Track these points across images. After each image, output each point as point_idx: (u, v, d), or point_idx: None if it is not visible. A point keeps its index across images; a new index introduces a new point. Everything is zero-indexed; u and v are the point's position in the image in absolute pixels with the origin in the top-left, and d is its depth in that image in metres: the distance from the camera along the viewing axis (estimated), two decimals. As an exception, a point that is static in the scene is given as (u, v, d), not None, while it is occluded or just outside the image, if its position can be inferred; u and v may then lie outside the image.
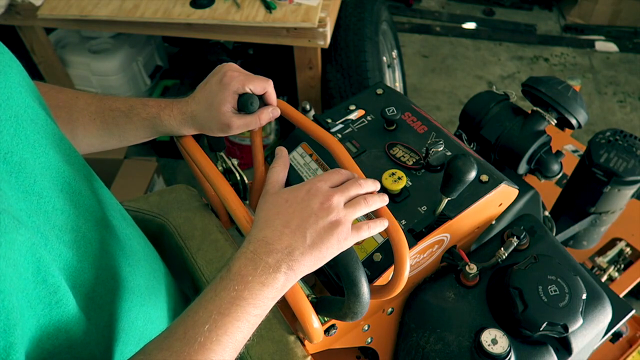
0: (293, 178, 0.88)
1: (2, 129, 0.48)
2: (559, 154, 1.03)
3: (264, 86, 0.76)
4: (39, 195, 0.50)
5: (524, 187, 0.94)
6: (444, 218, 0.78)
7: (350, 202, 0.61)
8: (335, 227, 0.58)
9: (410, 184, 0.82)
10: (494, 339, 0.74)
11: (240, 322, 0.53)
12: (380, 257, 0.76)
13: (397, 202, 0.80)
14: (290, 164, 0.89)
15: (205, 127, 0.75)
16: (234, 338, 0.52)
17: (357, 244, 0.78)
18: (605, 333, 0.86)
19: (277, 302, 0.58)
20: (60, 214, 0.53)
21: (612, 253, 1.45)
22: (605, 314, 0.81)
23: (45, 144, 0.54)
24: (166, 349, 0.50)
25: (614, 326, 0.86)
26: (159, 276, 0.75)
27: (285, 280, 0.56)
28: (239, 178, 0.85)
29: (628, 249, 1.46)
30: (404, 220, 0.79)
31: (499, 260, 0.83)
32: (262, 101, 0.77)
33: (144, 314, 0.66)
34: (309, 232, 0.57)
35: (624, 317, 0.90)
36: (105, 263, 0.59)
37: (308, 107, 0.98)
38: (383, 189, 0.80)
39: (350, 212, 0.60)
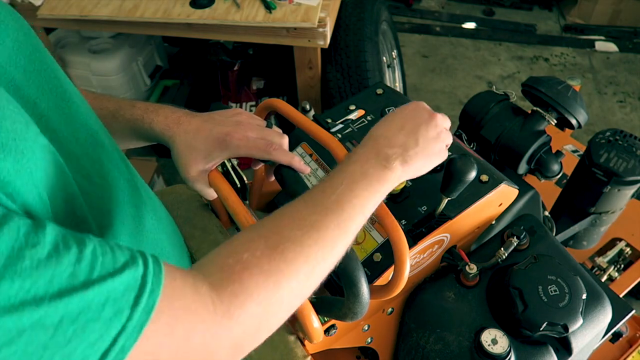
0: (293, 179, 0.88)
1: (28, 79, 0.51)
2: (559, 154, 1.03)
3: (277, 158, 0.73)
4: (67, 140, 0.53)
5: (524, 187, 0.94)
6: (444, 218, 0.78)
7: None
8: (440, 139, 0.66)
9: (410, 184, 0.82)
10: (494, 339, 0.74)
11: (367, 192, 0.59)
12: (380, 257, 0.76)
13: (397, 202, 0.80)
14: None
15: (174, 159, 0.71)
16: (362, 203, 0.58)
17: (356, 243, 0.78)
18: (605, 333, 0.86)
19: None
20: (87, 159, 0.55)
21: (612, 253, 1.45)
22: (605, 314, 0.81)
23: (68, 97, 0.57)
24: (304, 201, 0.57)
25: (614, 326, 0.86)
26: (179, 239, 0.79)
27: (401, 172, 0.62)
28: (238, 178, 0.85)
29: (628, 249, 1.46)
30: (404, 220, 0.79)
31: (499, 260, 0.83)
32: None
33: (170, 256, 0.70)
34: (420, 137, 0.64)
35: (624, 317, 0.90)
36: (128, 211, 0.62)
37: (308, 107, 0.98)
38: None
39: (447, 134, 0.69)
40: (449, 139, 0.69)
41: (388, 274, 0.75)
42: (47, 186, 0.43)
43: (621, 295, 1.36)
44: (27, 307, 0.34)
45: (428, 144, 0.65)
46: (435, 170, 0.83)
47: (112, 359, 0.39)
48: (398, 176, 0.62)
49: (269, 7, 1.72)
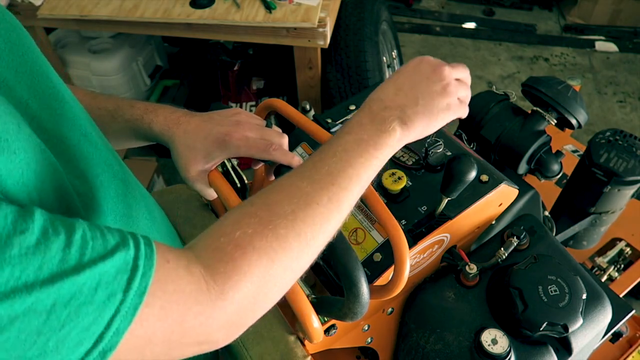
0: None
1: (20, 80, 0.51)
2: (559, 154, 1.03)
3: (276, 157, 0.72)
4: (60, 140, 0.53)
5: (524, 187, 0.94)
6: (444, 218, 0.78)
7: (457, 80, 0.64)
8: (446, 93, 0.61)
9: (410, 184, 0.82)
10: (494, 339, 0.74)
11: (363, 158, 0.56)
12: (380, 257, 0.76)
13: (397, 202, 0.80)
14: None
15: (174, 159, 0.71)
16: (357, 172, 0.56)
17: (356, 243, 0.78)
18: (605, 333, 0.86)
19: (277, 302, 0.58)
20: (80, 159, 0.55)
21: (612, 253, 1.45)
22: (605, 314, 0.81)
23: (61, 97, 0.56)
24: (296, 175, 0.55)
25: (614, 326, 0.86)
26: (174, 237, 0.78)
27: (400, 135, 0.59)
28: (238, 178, 0.85)
29: (628, 249, 1.46)
30: (404, 220, 0.79)
31: (499, 260, 0.83)
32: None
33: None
34: (420, 93, 0.60)
35: (624, 317, 0.90)
36: (123, 211, 0.61)
37: (308, 107, 0.98)
38: (383, 189, 0.80)
39: (458, 85, 0.63)
40: (462, 92, 0.63)
41: (388, 274, 0.75)
42: (39, 185, 0.43)
43: (621, 295, 1.36)
44: (18, 294, 0.34)
45: (431, 100, 0.60)
46: (435, 170, 0.83)
47: (106, 342, 0.39)
48: (398, 139, 0.59)
49: (269, 7, 1.72)
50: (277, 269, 0.49)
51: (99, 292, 0.38)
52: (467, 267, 0.81)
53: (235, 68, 2.25)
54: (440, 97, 0.61)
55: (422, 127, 0.60)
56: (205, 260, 0.46)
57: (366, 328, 0.85)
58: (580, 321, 0.74)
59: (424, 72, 0.61)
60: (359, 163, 0.56)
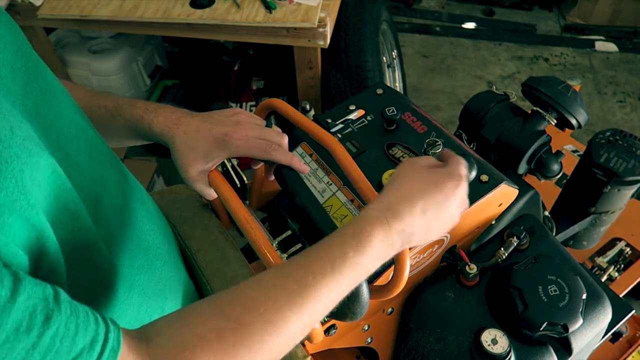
0: (293, 179, 0.88)
1: (15, 76, 0.50)
2: (559, 154, 1.03)
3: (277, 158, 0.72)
4: (58, 135, 0.52)
5: (524, 187, 0.94)
6: (444, 218, 0.78)
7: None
8: (456, 216, 0.63)
9: (410, 184, 0.82)
10: (494, 339, 0.74)
11: (355, 280, 0.56)
12: (380, 257, 0.76)
13: (397, 202, 0.80)
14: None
15: (174, 159, 0.70)
16: (337, 297, 0.55)
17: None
18: (605, 333, 0.86)
19: None
20: (77, 154, 0.55)
21: (612, 253, 1.45)
22: (605, 314, 0.81)
23: (56, 94, 0.56)
24: (280, 287, 0.51)
25: (614, 326, 0.86)
26: (168, 231, 0.78)
27: (396, 250, 0.59)
28: (238, 178, 0.85)
29: (628, 249, 1.46)
30: (404, 220, 0.78)
31: (499, 260, 0.83)
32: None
33: (159, 262, 0.70)
34: (439, 222, 0.61)
35: (624, 317, 0.90)
36: (122, 204, 0.61)
37: (308, 107, 0.98)
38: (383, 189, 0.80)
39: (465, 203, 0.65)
40: (464, 207, 0.64)
41: (388, 274, 0.75)
42: (36, 189, 0.43)
43: (621, 295, 1.35)
44: None
45: (441, 228, 0.62)
46: (435, 170, 0.83)
47: None
48: (390, 255, 0.59)
49: (269, 7, 1.72)
50: None
51: None
52: (467, 267, 0.81)
53: (235, 68, 2.25)
54: (449, 225, 0.63)
55: (414, 244, 0.61)
56: None
57: (366, 328, 0.85)
58: (580, 321, 0.74)
59: (453, 208, 0.62)
60: (349, 283, 0.55)
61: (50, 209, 0.45)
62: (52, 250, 0.45)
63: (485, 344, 0.73)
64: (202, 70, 2.36)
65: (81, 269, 0.52)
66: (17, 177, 0.40)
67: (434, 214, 0.60)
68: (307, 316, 0.51)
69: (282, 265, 0.56)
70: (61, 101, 0.57)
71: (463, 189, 0.63)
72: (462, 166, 0.64)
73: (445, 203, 0.61)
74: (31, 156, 0.42)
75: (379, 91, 0.99)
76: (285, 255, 0.74)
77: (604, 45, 3.07)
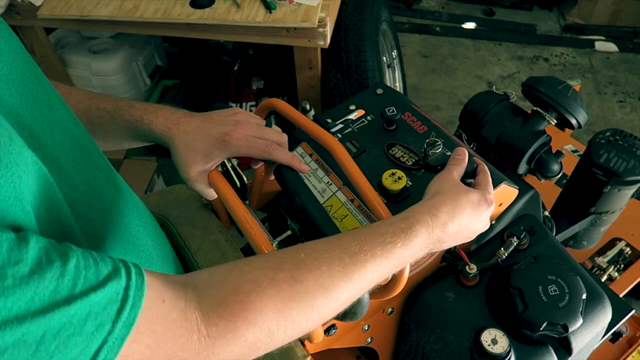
0: (293, 179, 0.88)
1: (10, 87, 0.50)
2: (559, 154, 1.03)
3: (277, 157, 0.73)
4: (52, 147, 0.52)
5: (524, 187, 0.94)
6: (444, 218, 0.78)
7: None
8: (469, 239, 0.70)
9: (410, 184, 0.82)
10: (494, 339, 0.74)
11: (396, 268, 0.60)
12: (380, 257, 0.76)
13: (397, 202, 0.80)
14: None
15: (174, 159, 0.71)
16: (378, 278, 0.58)
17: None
18: (605, 333, 0.86)
19: None
20: (72, 167, 0.54)
21: (612, 253, 1.45)
22: (605, 314, 0.81)
23: (52, 104, 0.56)
24: (335, 254, 0.55)
25: (614, 326, 0.86)
26: (164, 241, 0.77)
27: (425, 253, 0.64)
28: (238, 178, 0.85)
29: (628, 249, 1.46)
30: (404, 220, 0.78)
31: (499, 260, 0.83)
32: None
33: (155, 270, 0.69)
34: (469, 233, 0.68)
35: (624, 317, 0.90)
36: (115, 218, 0.61)
37: (308, 107, 0.98)
38: (383, 189, 0.80)
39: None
40: (486, 227, 0.72)
41: (388, 274, 0.75)
42: (31, 198, 0.42)
43: (621, 295, 1.35)
44: (9, 325, 0.34)
45: (461, 239, 0.67)
46: (435, 170, 0.83)
47: None
48: (423, 254, 0.64)
49: (269, 7, 1.72)
50: (274, 341, 0.49)
51: (88, 323, 0.38)
52: (467, 267, 0.81)
53: (235, 68, 2.25)
54: (468, 240, 0.69)
55: (438, 250, 0.67)
56: (207, 310, 0.46)
57: (366, 328, 0.85)
58: (580, 321, 0.74)
59: (482, 216, 0.69)
60: (388, 271, 0.59)
61: (42, 220, 0.45)
62: None
63: (485, 344, 0.73)
64: (202, 70, 2.36)
65: None
66: (16, 183, 0.40)
67: (465, 229, 0.66)
68: (353, 288, 0.55)
69: (335, 237, 0.58)
70: (57, 112, 0.56)
71: (489, 213, 0.70)
72: (492, 191, 0.72)
73: (477, 222, 0.68)
74: (27, 165, 0.42)
75: (379, 91, 0.99)
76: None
77: (604, 45, 3.07)
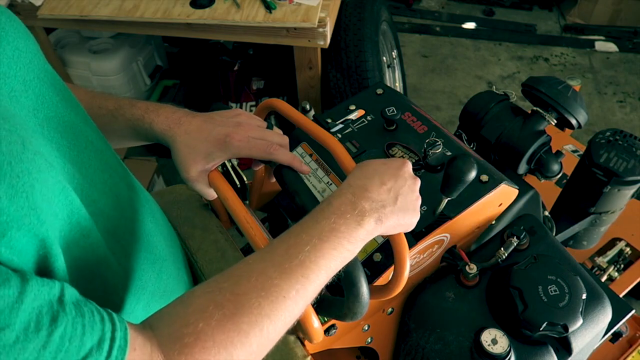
0: (293, 179, 0.88)
1: (27, 88, 0.50)
2: (559, 154, 1.03)
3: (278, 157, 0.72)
4: (68, 148, 0.53)
5: (524, 187, 0.94)
6: (444, 218, 0.78)
7: None
8: (417, 203, 0.64)
9: (410, 184, 0.82)
10: (494, 339, 0.74)
11: (336, 250, 0.57)
12: (380, 257, 0.76)
13: (397, 202, 0.80)
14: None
15: (174, 159, 0.70)
16: (328, 264, 0.56)
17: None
18: (605, 333, 0.86)
19: None
20: (88, 167, 0.55)
21: (612, 253, 1.45)
22: (605, 314, 0.81)
23: (66, 105, 0.56)
24: (268, 261, 0.54)
25: (614, 326, 0.86)
26: (174, 238, 0.79)
27: (373, 229, 0.60)
28: (238, 178, 0.85)
29: (628, 249, 1.46)
30: (404, 220, 0.78)
31: (499, 260, 0.83)
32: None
33: (166, 268, 0.71)
34: (400, 196, 0.62)
35: (624, 317, 0.90)
36: (129, 215, 0.62)
37: (308, 107, 0.98)
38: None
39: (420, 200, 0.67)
40: (417, 184, 0.67)
41: (388, 274, 0.75)
42: (47, 204, 0.43)
43: (621, 295, 1.36)
44: None
45: (406, 205, 0.63)
46: (435, 170, 0.83)
47: None
48: (369, 233, 0.60)
49: (269, 7, 1.72)
50: (237, 356, 0.49)
51: None
52: (467, 267, 0.81)
53: (235, 68, 2.25)
54: (413, 205, 0.64)
55: (391, 227, 0.62)
56: (167, 350, 0.47)
57: (366, 328, 0.85)
58: (580, 321, 0.74)
59: (406, 176, 0.64)
60: (332, 255, 0.56)
61: (62, 227, 0.45)
62: (60, 269, 0.45)
63: (485, 344, 0.73)
64: (202, 70, 2.36)
65: (90, 284, 0.52)
66: (28, 192, 0.40)
67: (393, 184, 0.62)
68: (295, 281, 0.53)
69: (266, 245, 0.58)
70: (72, 113, 0.57)
71: (408, 167, 0.66)
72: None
73: (398, 177, 0.63)
74: (41, 172, 0.42)
75: (379, 91, 0.99)
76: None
77: (604, 45, 3.07)
